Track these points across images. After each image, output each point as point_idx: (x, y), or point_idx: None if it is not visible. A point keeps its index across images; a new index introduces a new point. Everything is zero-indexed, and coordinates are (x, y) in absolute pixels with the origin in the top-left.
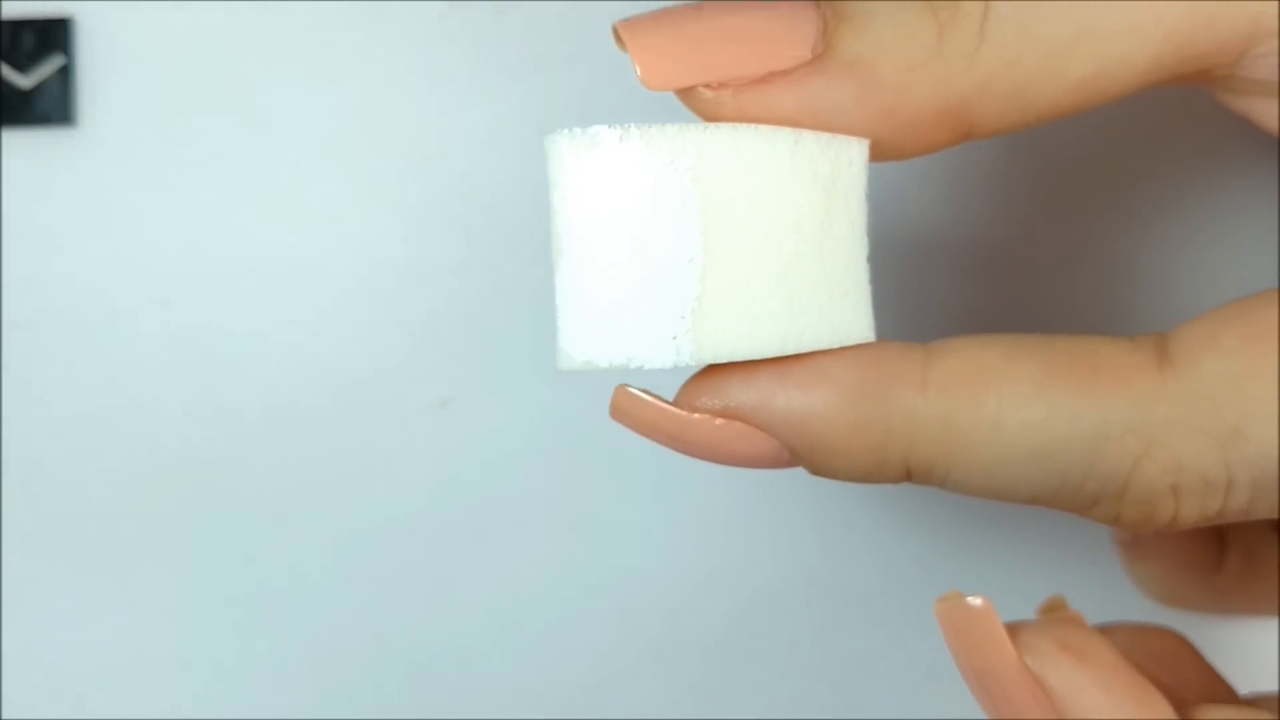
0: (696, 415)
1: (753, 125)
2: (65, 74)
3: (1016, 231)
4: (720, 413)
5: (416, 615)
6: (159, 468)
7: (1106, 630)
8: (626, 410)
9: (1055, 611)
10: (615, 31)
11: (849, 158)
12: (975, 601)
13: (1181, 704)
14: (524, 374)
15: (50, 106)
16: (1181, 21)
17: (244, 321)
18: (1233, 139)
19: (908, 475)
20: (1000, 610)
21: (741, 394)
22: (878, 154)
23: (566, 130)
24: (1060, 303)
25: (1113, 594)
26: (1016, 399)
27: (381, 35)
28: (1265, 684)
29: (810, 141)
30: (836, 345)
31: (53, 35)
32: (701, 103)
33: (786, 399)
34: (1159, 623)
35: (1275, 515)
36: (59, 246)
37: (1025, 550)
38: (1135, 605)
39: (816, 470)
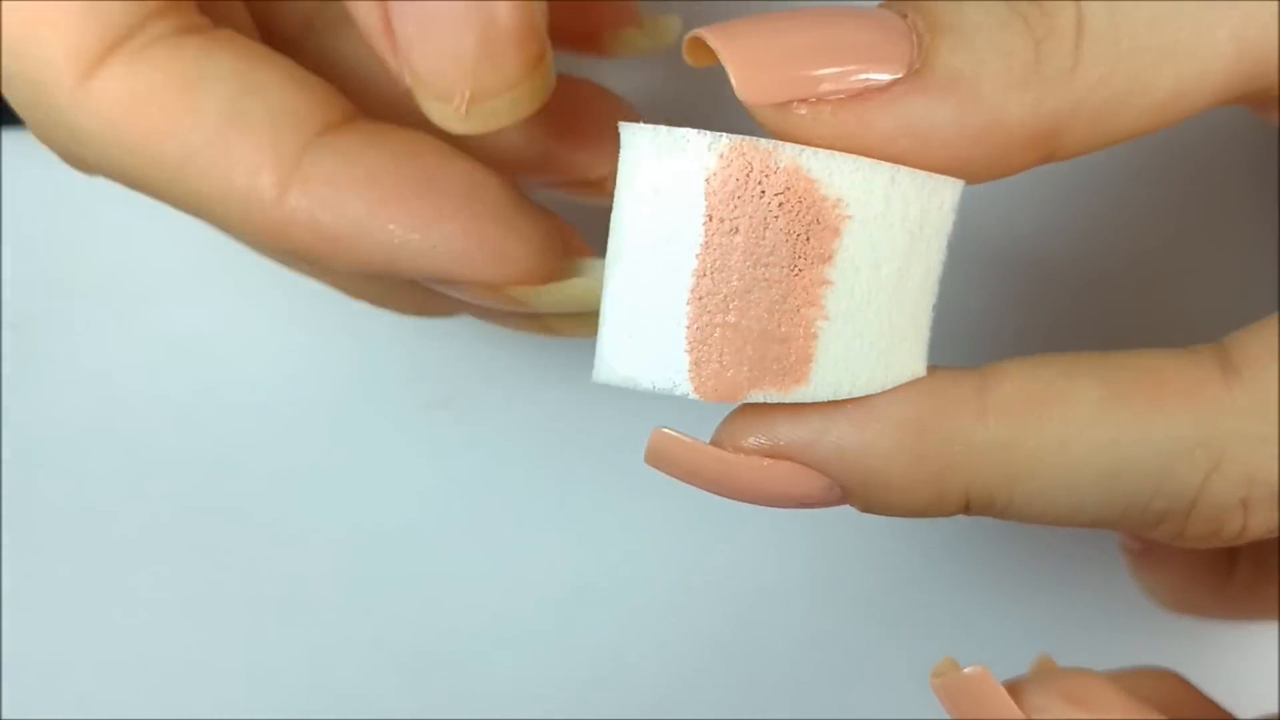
0: (741, 456)
1: (849, 155)
2: None
3: (1027, 240)
4: (768, 452)
5: (416, 615)
6: (158, 467)
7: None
8: (665, 454)
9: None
10: (697, 39)
11: (940, 200)
12: (972, 670)
13: None
14: (524, 374)
15: None
16: (1258, 40)
17: (244, 321)
18: (1237, 145)
19: (966, 507)
20: (1005, 610)
21: (791, 432)
22: (960, 177)
23: (650, 127)
24: (1081, 316)
25: (1117, 594)
26: (1081, 420)
27: None
28: (1271, 692)
29: (906, 180)
30: (889, 387)
31: None
32: (795, 121)
33: (840, 436)
34: (1156, 664)
35: None
36: (59, 246)
37: (1027, 550)
38: (1139, 604)
39: (870, 508)
